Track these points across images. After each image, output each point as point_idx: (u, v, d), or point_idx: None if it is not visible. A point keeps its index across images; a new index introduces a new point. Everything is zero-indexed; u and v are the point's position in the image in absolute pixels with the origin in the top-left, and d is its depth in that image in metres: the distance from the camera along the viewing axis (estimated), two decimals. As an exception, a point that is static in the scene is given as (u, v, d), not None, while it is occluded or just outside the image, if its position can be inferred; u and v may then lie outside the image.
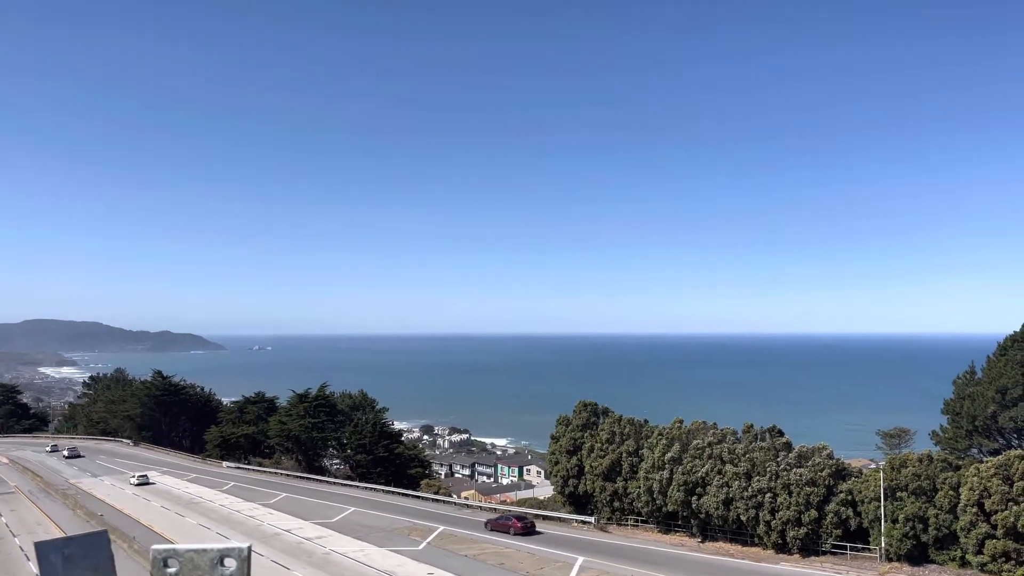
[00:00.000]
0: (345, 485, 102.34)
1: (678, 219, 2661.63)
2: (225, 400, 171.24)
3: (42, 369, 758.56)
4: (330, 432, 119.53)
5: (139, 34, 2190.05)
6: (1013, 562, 52.40)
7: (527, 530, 70.42)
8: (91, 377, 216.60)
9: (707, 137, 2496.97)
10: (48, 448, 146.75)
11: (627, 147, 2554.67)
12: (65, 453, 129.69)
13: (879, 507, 59.56)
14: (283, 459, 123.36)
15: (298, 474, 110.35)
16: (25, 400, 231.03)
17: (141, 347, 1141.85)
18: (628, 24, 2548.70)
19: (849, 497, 62.29)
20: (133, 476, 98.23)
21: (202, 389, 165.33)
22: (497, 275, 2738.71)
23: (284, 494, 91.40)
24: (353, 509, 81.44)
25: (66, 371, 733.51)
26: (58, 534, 66.08)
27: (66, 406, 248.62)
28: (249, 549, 4.97)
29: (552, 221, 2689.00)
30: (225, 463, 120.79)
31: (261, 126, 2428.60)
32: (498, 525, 71.50)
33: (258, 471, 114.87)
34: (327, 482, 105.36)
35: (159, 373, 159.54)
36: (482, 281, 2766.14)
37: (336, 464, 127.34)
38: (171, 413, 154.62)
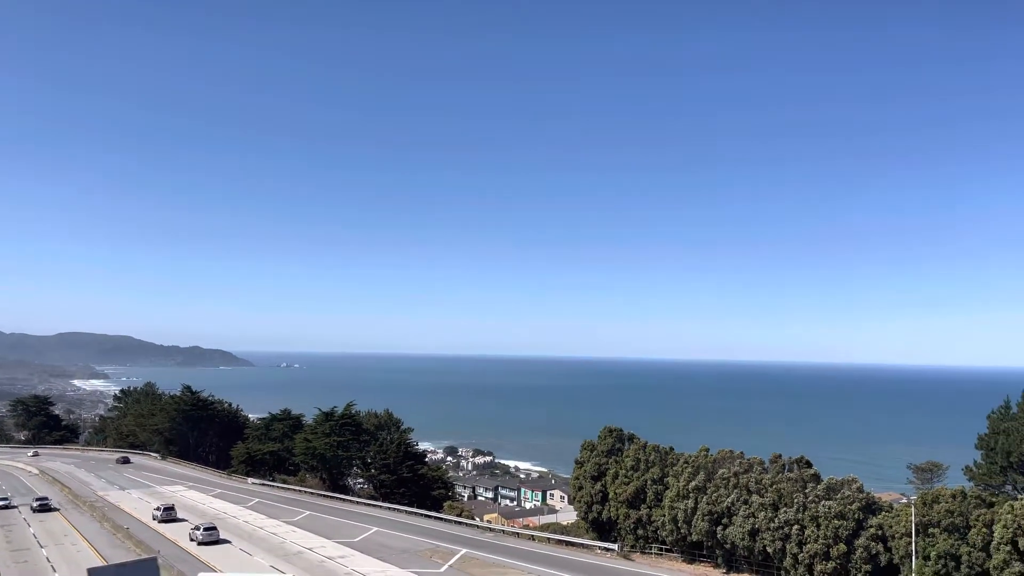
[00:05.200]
0: (368, 505, 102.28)
1: (708, 244, 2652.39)
2: (252, 416, 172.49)
3: (74, 381, 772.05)
4: (355, 451, 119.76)
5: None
6: (1049, 604, 50.89)
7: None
8: (121, 391, 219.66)
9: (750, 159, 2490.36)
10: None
11: (655, 170, 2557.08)
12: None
13: (910, 543, 58.28)
14: (307, 477, 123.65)
15: (322, 492, 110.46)
16: (57, 412, 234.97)
17: (171, 362, 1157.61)
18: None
19: (879, 532, 61.01)
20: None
21: (229, 405, 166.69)
22: (527, 298, 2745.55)
23: (308, 512, 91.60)
24: (376, 529, 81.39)
25: (97, 384, 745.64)
26: (85, 547, 67.01)
27: (97, 419, 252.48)
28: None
29: (580, 245, 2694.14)
30: (250, 479, 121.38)
31: (296, 141, 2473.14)
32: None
33: (282, 488, 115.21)
34: (351, 501, 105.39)
35: (188, 388, 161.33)
36: (511, 304, 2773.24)
37: (360, 483, 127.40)
38: (199, 428, 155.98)
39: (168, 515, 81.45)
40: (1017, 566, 52.29)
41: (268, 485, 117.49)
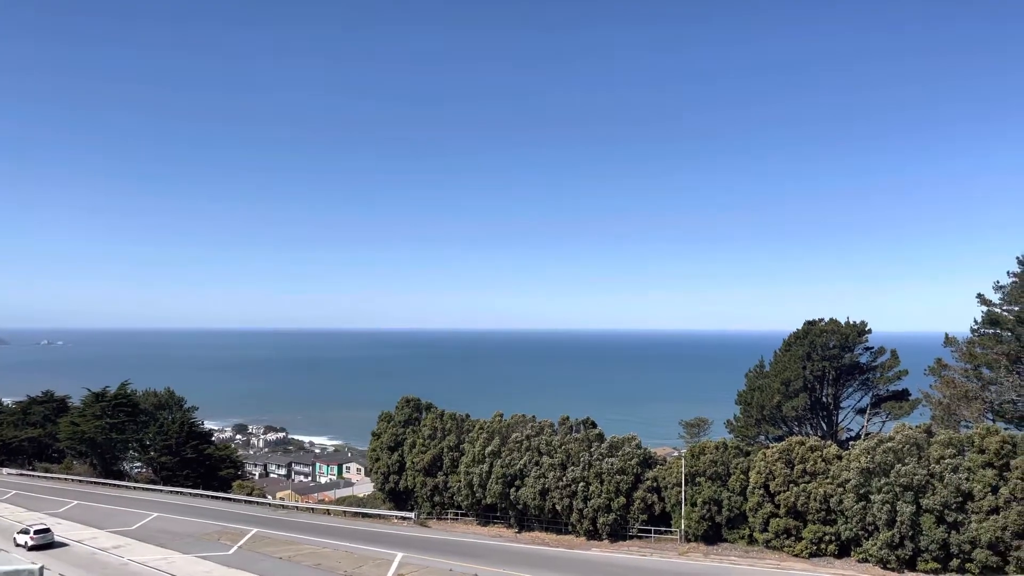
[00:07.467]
0: (148, 489, 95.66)
1: (511, 217, 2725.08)
2: (6, 400, 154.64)
3: None
4: (131, 433, 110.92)
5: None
6: (793, 538, 58.23)
7: None
8: None
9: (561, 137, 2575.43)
10: None
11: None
12: None
13: (680, 492, 64.06)
14: (75, 464, 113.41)
15: (92, 479, 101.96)
16: None
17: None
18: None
19: (655, 484, 66.46)
20: None
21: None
22: (327, 270, 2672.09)
23: (76, 502, 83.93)
24: (156, 515, 76.22)
25: None
26: None
27: None
28: (41, 570, 4.45)
29: (390, 218, 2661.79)
30: (5, 470, 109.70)
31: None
32: None
33: (44, 478, 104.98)
34: (127, 487, 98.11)
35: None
36: (313, 276, 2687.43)
37: (138, 468, 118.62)
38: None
39: None
40: (768, 507, 59.24)
41: (27, 475, 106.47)
